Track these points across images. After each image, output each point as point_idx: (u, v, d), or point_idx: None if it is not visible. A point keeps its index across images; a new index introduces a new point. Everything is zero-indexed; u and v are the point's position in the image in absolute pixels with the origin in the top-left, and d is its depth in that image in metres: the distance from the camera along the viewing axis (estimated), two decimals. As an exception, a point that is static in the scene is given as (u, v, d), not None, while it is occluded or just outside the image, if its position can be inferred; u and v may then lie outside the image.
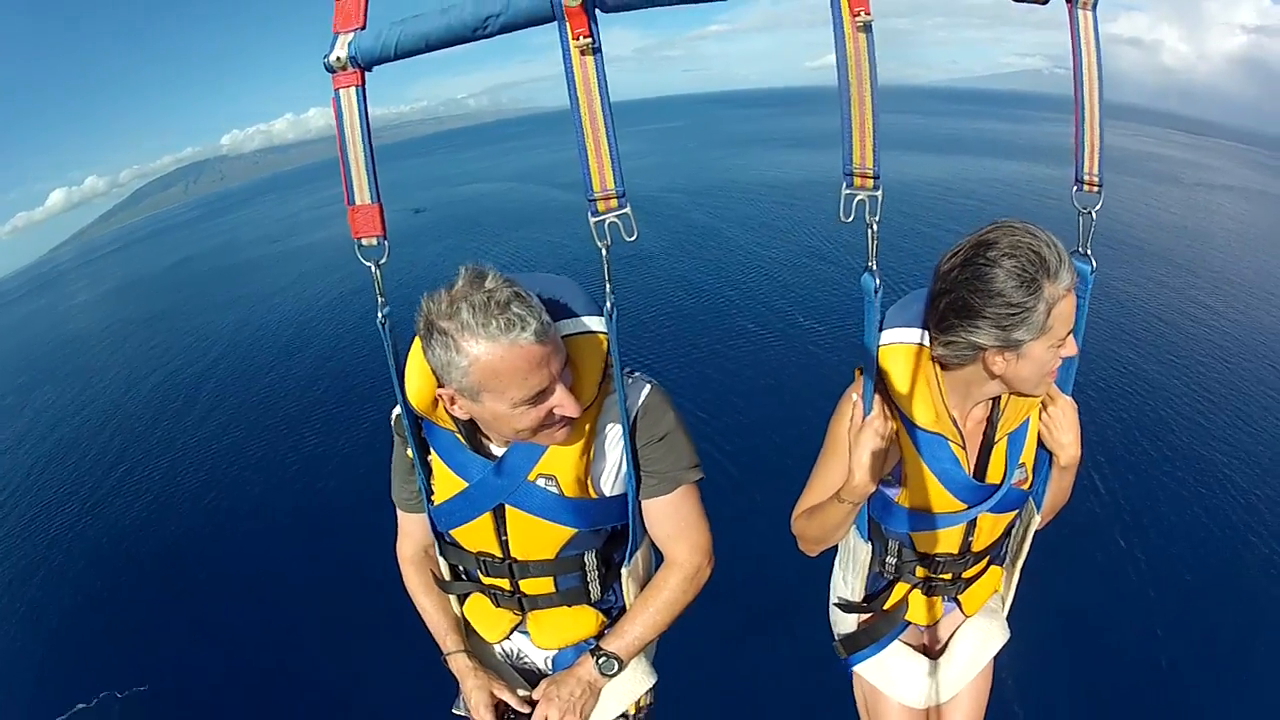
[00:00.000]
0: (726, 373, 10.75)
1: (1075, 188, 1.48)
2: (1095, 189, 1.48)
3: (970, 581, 2.02)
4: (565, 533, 1.70)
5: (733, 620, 5.51)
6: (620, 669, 1.80)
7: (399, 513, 1.94)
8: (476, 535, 1.75)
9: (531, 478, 1.64)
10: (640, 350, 11.75)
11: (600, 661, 1.79)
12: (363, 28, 1.31)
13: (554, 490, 1.64)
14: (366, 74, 1.35)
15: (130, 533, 9.59)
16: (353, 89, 1.34)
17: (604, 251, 1.32)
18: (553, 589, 1.81)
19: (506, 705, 1.86)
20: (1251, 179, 31.65)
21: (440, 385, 1.51)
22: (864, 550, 1.95)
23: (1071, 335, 1.54)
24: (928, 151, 33.29)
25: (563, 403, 1.47)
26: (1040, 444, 1.80)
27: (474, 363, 1.38)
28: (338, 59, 1.31)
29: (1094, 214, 1.47)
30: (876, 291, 1.38)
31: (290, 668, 6.84)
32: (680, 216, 21.48)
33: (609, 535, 1.79)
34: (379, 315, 1.50)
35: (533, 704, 1.84)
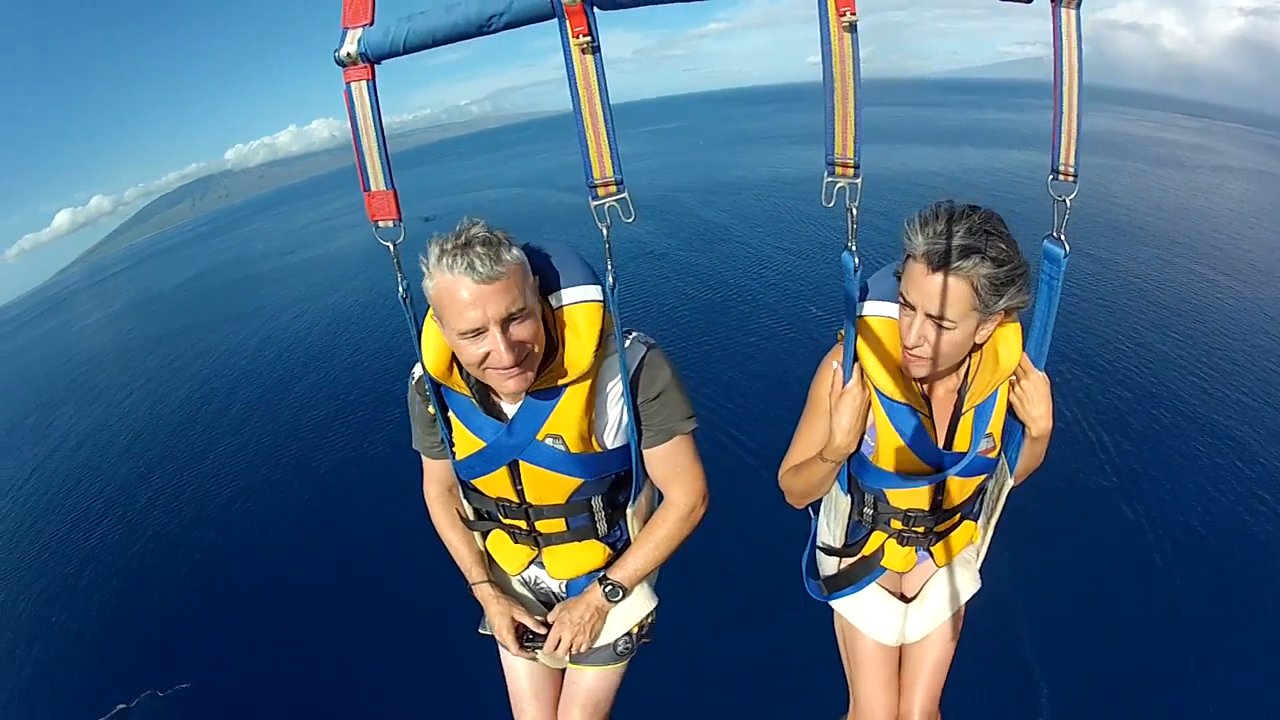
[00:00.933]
0: (738, 363, 11.02)
1: (1051, 177, 1.54)
2: (1070, 179, 1.52)
3: (943, 535, 2.19)
4: (573, 482, 1.92)
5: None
6: (625, 596, 2.06)
7: (424, 460, 2.14)
8: (495, 484, 1.96)
9: (540, 438, 1.83)
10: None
11: (607, 590, 2.04)
12: (371, 24, 1.36)
13: (560, 448, 1.84)
14: (375, 68, 1.40)
15: (168, 540, 9.76)
16: (364, 82, 1.40)
17: (604, 231, 1.43)
18: (564, 528, 2.02)
19: (525, 626, 2.10)
20: (1253, 160, 31.47)
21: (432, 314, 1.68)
22: (844, 502, 2.15)
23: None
24: (932, 144, 33.28)
25: (495, 348, 1.60)
26: (1013, 414, 1.90)
27: (431, 290, 1.59)
28: (348, 54, 1.36)
29: (1068, 201, 1.51)
30: (856, 270, 1.50)
31: (326, 664, 6.98)
32: (689, 214, 21.67)
33: (613, 480, 1.99)
34: (400, 290, 1.61)
35: (548, 626, 2.10)
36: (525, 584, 2.24)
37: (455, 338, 1.62)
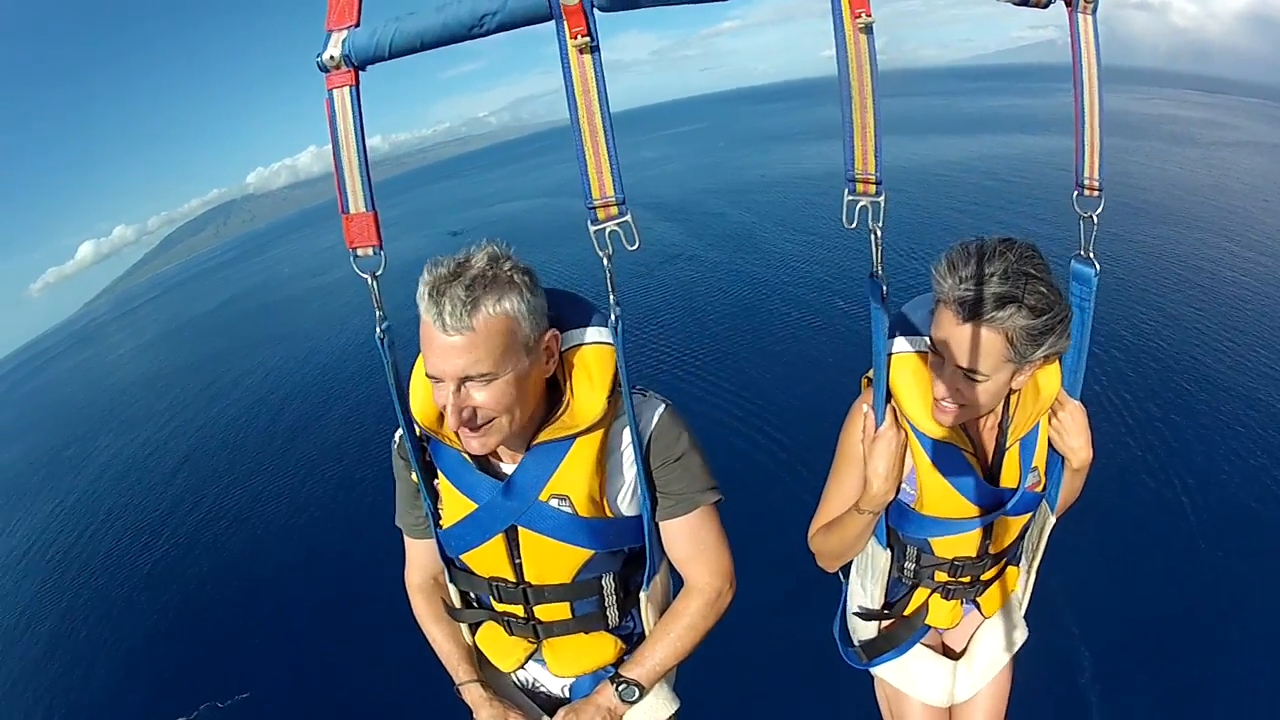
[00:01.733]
0: (763, 364, 10.84)
1: (1076, 192, 1.45)
2: (1096, 193, 1.45)
3: (989, 583, 2.06)
4: (581, 555, 1.65)
5: (754, 640, 5.25)
6: (641, 696, 1.76)
7: (406, 540, 1.90)
8: (488, 559, 1.70)
9: (543, 498, 1.58)
10: (680, 343, 11.96)
11: (621, 689, 1.75)
12: (356, 25, 1.29)
13: (567, 510, 1.59)
14: (361, 73, 1.32)
15: (222, 558, 9.85)
16: (346, 89, 1.30)
17: (605, 261, 1.28)
18: (569, 615, 1.76)
19: None
20: (1267, 133, 30.76)
21: None
22: (883, 557, 1.97)
23: None
24: (950, 133, 32.94)
25: (450, 407, 1.43)
26: (1051, 447, 1.81)
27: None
28: (331, 58, 1.28)
29: (1095, 218, 1.44)
30: (884, 300, 1.37)
31: (381, 674, 6.86)
32: (715, 216, 21.46)
33: (627, 557, 1.75)
34: (378, 330, 1.45)
35: None
36: (522, 687, 1.97)
37: (429, 377, 1.45)
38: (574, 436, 1.55)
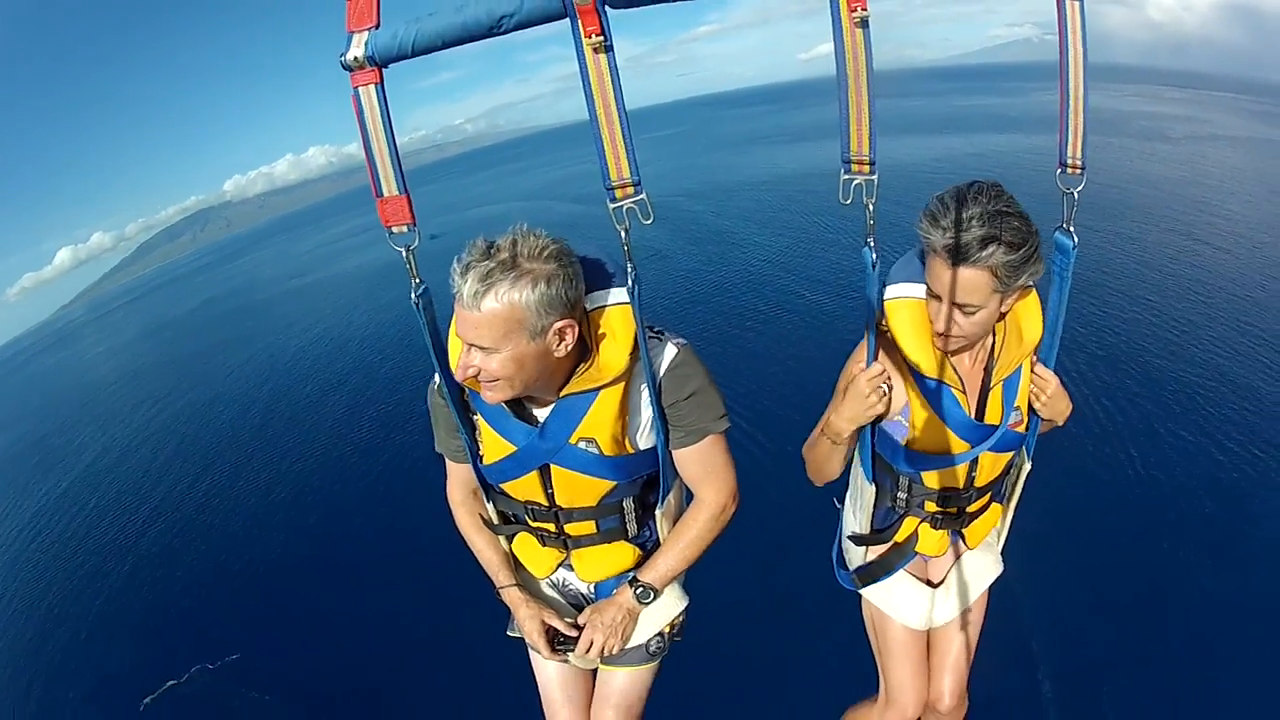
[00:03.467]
0: (743, 346, 11.10)
1: (1059, 170, 1.56)
2: (1078, 171, 1.55)
3: (974, 516, 2.20)
4: (605, 485, 1.89)
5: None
6: (655, 598, 2.03)
7: (447, 461, 2.11)
8: (524, 487, 1.93)
9: (572, 441, 1.79)
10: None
11: (638, 591, 2.00)
12: (376, 26, 1.34)
13: (594, 451, 1.80)
14: (384, 71, 1.38)
15: (214, 533, 9.89)
16: (372, 86, 1.38)
17: (623, 234, 1.45)
18: (594, 530, 1.99)
19: (556, 629, 2.08)
20: (1241, 127, 31.29)
21: None
22: (869, 491, 2.14)
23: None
24: (930, 134, 33.23)
25: (465, 362, 1.64)
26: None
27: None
28: (355, 58, 1.34)
29: (1076, 194, 1.55)
30: (875, 265, 1.52)
31: (361, 651, 6.95)
32: (694, 218, 21.58)
33: (644, 481, 1.97)
34: (413, 295, 1.60)
35: (579, 628, 2.07)
36: (554, 586, 2.22)
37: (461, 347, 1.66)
38: (599, 389, 1.74)
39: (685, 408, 1.80)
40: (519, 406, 1.83)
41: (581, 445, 1.80)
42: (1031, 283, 1.79)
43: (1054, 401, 1.91)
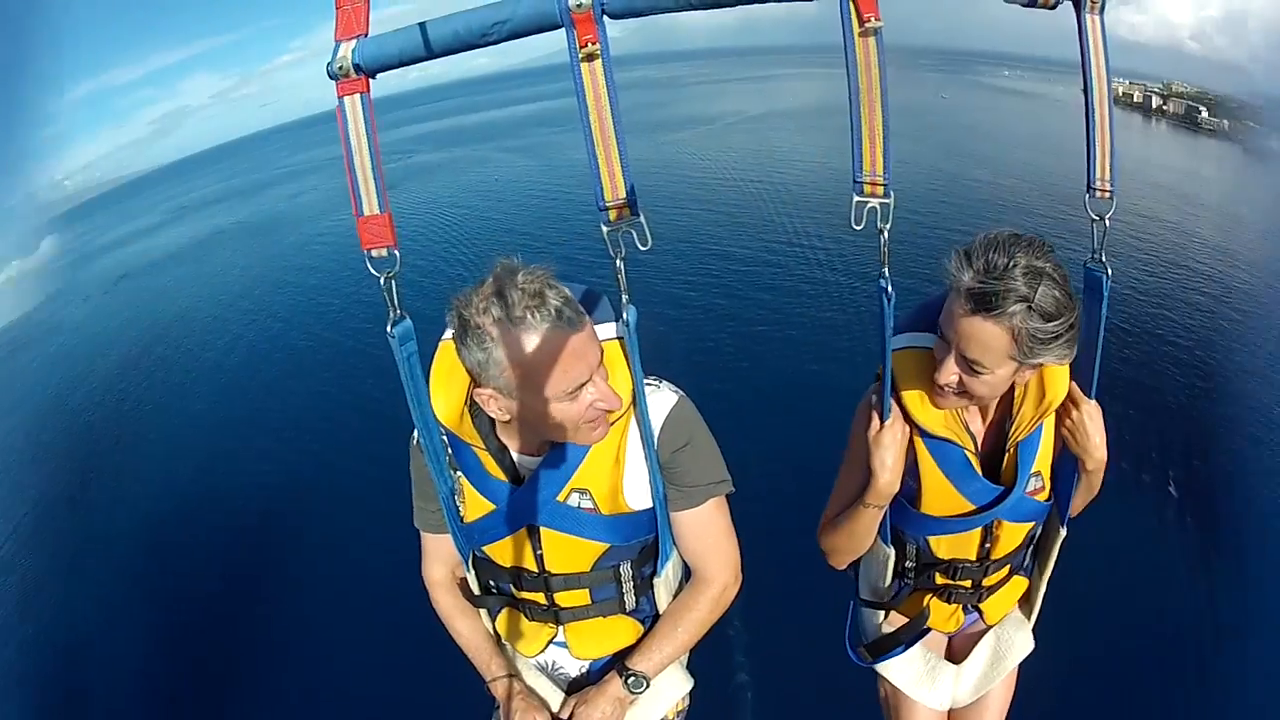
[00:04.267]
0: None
1: (1088, 194, 1.45)
2: (1107, 195, 1.44)
3: (991, 590, 2.04)
4: (599, 547, 1.72)
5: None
6: (647, 687, 1.83)
7: (423, 536, 1.93)
8: (510, 551, 1.76)
9: (563, 496, 1.65)
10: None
11: (629, 680, 1.81)
12: (365, 35, 1.28)
13: (588, 505, 1.66)
14: (371, 81, 1.31)
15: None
16: (358, 96, 1.30)
17: (618, 262, 1.34)
18: (588, 601, 1.81)
19: None
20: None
21: (478, 385, 1.52)
22: (884, 551, 1.98)
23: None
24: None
25: (604, 394, 1.49)
26: (1062, 463, 1.83)
27: (512, 357, 1.41)
28: (341, 67, 1.27)
29: (1107, 221, 1.44)
30: (889, 300, 1.40)
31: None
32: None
33: (642, 546, 1.79)
34: (389, 329, 1.43)
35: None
36: (542, 669, 2.01)
37: (551, 403, 1.47)
38: None
39: (685, 461, 1.68)
40: (505, 461, 1.69)
41: (574, 498, 1.65)
42: (1055, 363, 1.62)
43: (1083, 430, 1.71)
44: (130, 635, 8.16)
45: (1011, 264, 1.48)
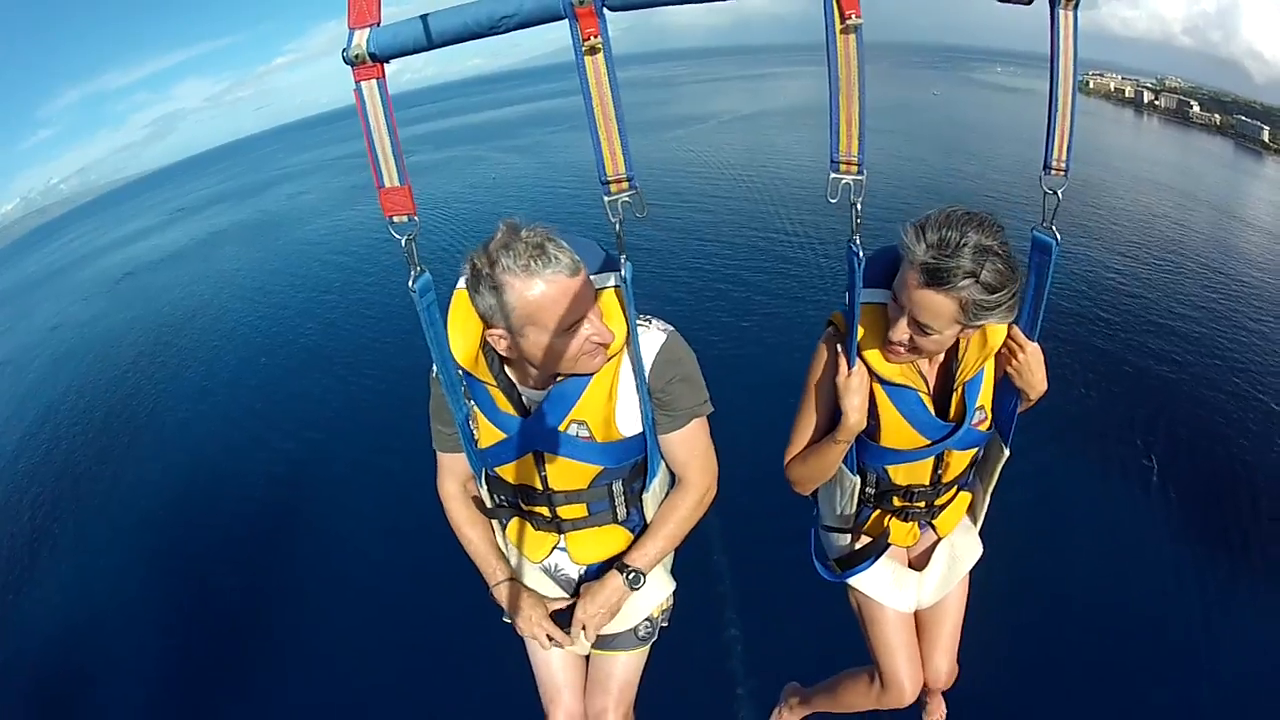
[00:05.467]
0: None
1: (1044, 172, 1.61)
2: (1062, 173, 1.60)
3: (942, 508, 2.31)
4: (595, 469, 1.97)
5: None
6: (644, 581, 2.08)
7: (439, 455, 2.14)
8: (518, 471, 2.00)
9: (564, 426, 1.87)
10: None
11: (629, 576, 2.06)
12: (378, 23, 1.37)
13: (585, 435, 1.89)
14: (385, 66, 1.41)
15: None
16: (374, 81, 1.41)
17: (618, 226, 1.53)
18: (586, 513, 2.06)
19: (556, 612, 2.12)
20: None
21: (489, 327, 1.72)
22: (851, 481, 2.21)
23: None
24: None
25: (598, 330, 1.71)
26: (1003, 387, 2.03)
27: (517, 300, 1.62)
28: (356, 54, 1.37)
29: (1059, 194, 1.61)
30: (860, 263, 1.62)
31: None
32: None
33: (632, 465, 2.03)
34: (410, 283, 1.62)
35: (570, 610, 2.11)
36: (546, 572, 2.25)
37: (551, 338, 1.68)
38: (591, 372, 1.82)
39: (673, 391, 1.90)
40: (514, 394, 1.89)
41: (573, 429, 1.88)
42: (997, 324, 1.83)
43: (1029, 368, 1.91)
44: (143, 610, 8.29)
45: (962, 242, 1.66)
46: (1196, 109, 54.72)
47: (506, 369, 1.87)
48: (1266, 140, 44.47)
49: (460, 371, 1.84)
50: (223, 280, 21.66)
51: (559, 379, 1.83)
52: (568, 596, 2.18)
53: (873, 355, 1.93)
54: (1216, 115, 52.42)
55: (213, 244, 28.37)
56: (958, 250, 1.66)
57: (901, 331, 1.82)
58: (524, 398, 1.90)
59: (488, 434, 1.93)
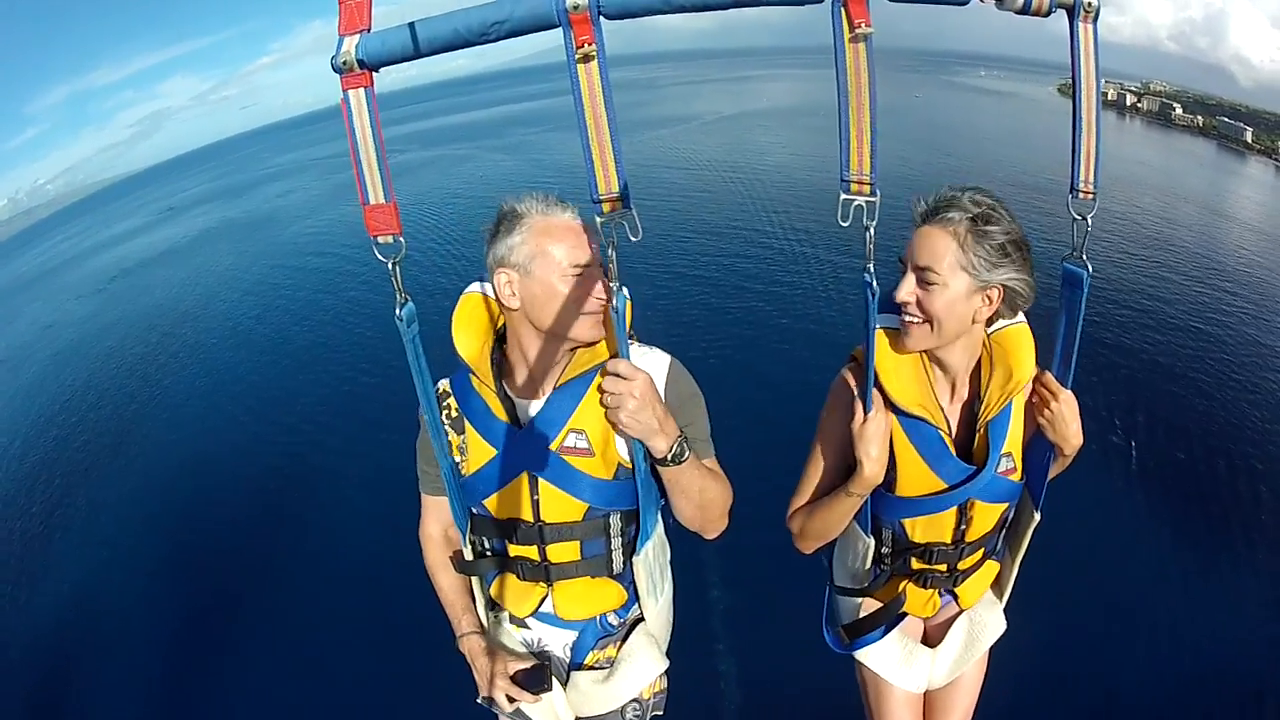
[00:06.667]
0: None
1: (1071, 195, 1.51)
2: (1090, 196, 1.50)
3: (966, 574, 2.08)
4: (585, 505, 1.83)
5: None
6: (687, 453, 1.72)
7: (423, 495, 2.07)
8: (509, 501, 1.85)
9: (562, 435, 1.76)
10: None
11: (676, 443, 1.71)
12: (368, 30, 1.32)
13: (583, 446, 1.77)
14: (374, 75, 1.35)
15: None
16: (362, 90, 1.34)
17: (610, 251, 1.41)
18: (578, 555, 1.88)
19: (523, 672, 1.93)
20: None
21: (500, 269, 1.71)
22: (864, 542, 2.02)
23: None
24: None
25: (601, 289, 1.69)
26: (1035, 446, 1.88)
27: (534, 225, 1.69)
28: (345, 61, 1.31)
29: (1089, 220, 1.49)
30: (874, 295, 1.47)
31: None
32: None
33: (627, 512, 1.87)
34: (397, 311, 1.53)
35: (544, 669, 1.94)
36: (527, 645, 2.09)
37: (560, 275, 1.68)
38: (591, 374, 1.75)
39: (690, 409, 1.82)
40: (509, 402, 1.83)
41: (571, 439, 1.76)
42: (1012, 295, 1.72)
43: (1062, 419, 1.76)
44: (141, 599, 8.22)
45: (960, 193, 1.68)
46: (1179, 111, 55.25)
47: (503, 378, 1.84)
48: (1249, 141, 44.98)
49: (451, 388, 1.86)
50: (218, 278, 21.38)
51: (558, 383, 1.77)
52: (537, 659, 2.00)
53: (888, 376, 1.80)
54: (1199, 117, 52.95)
55: (204, 241, 28.16)
56: (954, 197, 1.68)
57: (908, 287, 1.72)
58: (519, 411, 1.82)
59: (477, 453, 1.83)
